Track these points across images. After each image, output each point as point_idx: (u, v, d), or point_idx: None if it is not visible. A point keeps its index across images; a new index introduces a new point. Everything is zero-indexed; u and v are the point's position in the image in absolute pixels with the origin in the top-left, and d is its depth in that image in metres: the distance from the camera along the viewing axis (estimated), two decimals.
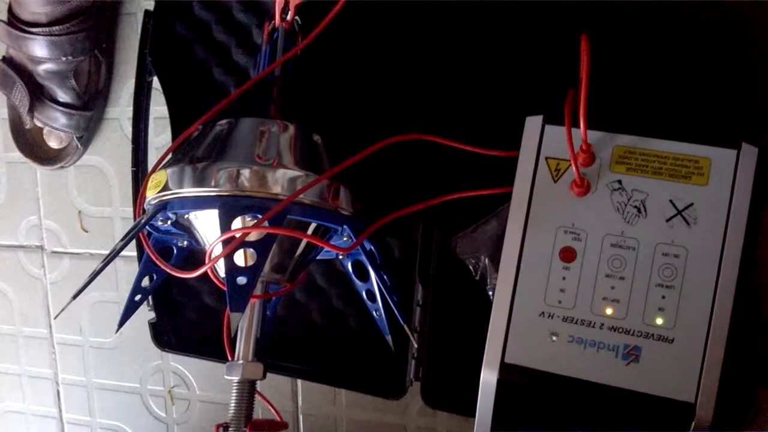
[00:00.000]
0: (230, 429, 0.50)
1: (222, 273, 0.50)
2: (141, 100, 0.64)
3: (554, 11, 0.54)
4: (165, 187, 0.49)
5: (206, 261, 0.47)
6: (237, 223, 0.46)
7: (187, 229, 0.53)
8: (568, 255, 0.45)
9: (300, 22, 0.57)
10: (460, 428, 0.70)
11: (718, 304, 0.42)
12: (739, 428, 0.48)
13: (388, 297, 0.54)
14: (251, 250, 0.46)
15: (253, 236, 0.46)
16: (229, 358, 0.52)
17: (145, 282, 0.57)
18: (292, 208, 0.47)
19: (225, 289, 0.44)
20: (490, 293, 0.53)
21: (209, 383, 0.81)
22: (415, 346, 0.56)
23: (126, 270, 0.81)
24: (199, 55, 0.65)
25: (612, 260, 0.44)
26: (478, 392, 0.45)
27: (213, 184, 0.47)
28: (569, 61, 0.43)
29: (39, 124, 0.75)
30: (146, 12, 0.63)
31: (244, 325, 0.51)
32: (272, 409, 0.60)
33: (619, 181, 0.45)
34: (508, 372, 0.45)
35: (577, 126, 0.43)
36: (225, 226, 0.45)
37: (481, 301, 0.53)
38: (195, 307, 0.69)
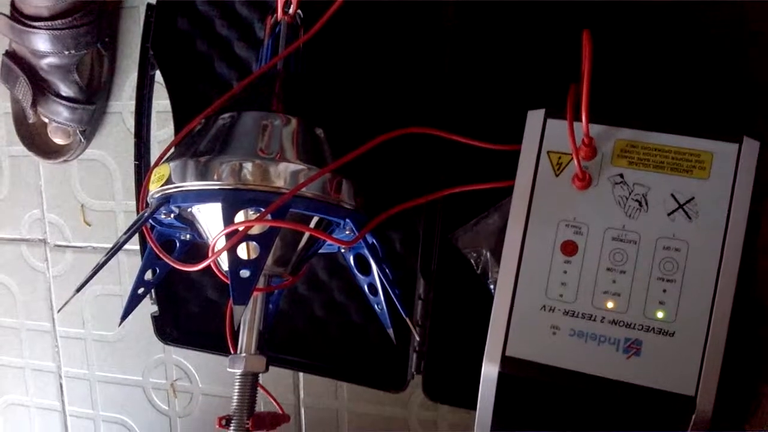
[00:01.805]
0: (233, 422, 0.50)
1: (225, 266, 0.50)
2: (143, 94, 0.65)
3: (557, 5, 0.54)
4: (168, 181, 0.49)
5: (209, 254, 0.48)
6: (240, 216, 0.47)
7: (190, 223, 0.54)
8: (569, 248, 0.45)
9: (302, 16, 0.57)
10: (462, 421, 0.70)
11: (719, 298, 0.42)
12: (739, 422, 0.48)
13: (390, 290, 0.54)
14: (254, 243, 0.46)
15: (256, 229, 0.46)
16: (232, 351, 0.52)
17: (148, 275, 0.57)
18: (295, 201, 0.47)
19: (228, 282, 0.44)
20: (492, 287, 0.53)
21: (212, 376, 0.81)
22: (417, 339, 0.57)
23: (129, 263, 0.82)
24: (202, 48, 0.65)
25: (613, 254, 0.44)
26: (479, 385, 0.46)
27: (216, 177, 0.47)
28: (571, 56, 0.43)
29: (43, 119, 0.75)
30: (148, 6, 0.63)
31: (247, 318, 0.51)
32: (274, 402, 0.60)
33: (621, 175, 0.45)
34: (509, 365, 0.45)
35: (579, 120, 0.43)
36: (228, 219, 0.46)
37: (483, 295, 0.53)
38: (198, 301, 0.69)
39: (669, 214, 0.44)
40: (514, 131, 0.48)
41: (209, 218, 0.51)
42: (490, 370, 0.45)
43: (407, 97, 0.59)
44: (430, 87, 0.56)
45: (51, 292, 0.87)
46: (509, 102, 0.52)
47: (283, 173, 0.48)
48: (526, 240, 0.46)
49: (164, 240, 0.57)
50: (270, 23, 0.57)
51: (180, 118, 0.64)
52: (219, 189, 0.47)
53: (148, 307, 0.66)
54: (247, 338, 0.51)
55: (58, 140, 0.77)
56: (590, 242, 0.45)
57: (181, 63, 0.65)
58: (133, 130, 0.65)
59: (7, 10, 0.71)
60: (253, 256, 0.46)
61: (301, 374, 0.76)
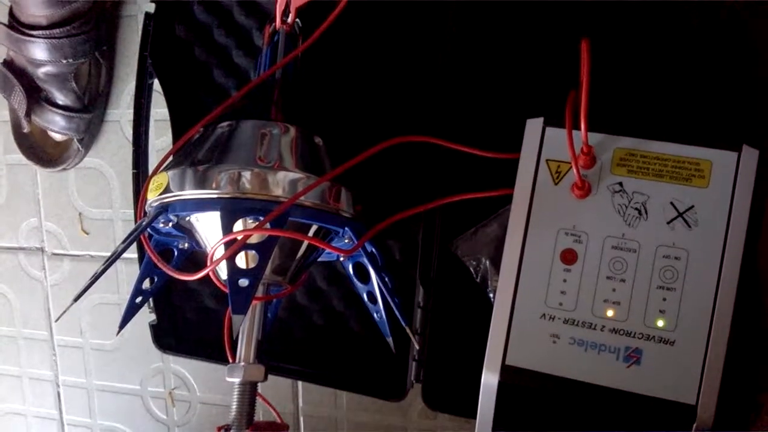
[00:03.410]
0: (231, 431, 0.50)
1: (224, 275, 0.50)
2: (142, 103, 0.64)
3: (555, 13, 0.55)
4: (166, 190, 0.49)
5: (208, 263, 0.47)
6: (238, 225, 0.46)
7: (189, 232, 0.53)
8: (569, 257, 0.45)
9: (301, 25, 0.57)
10: (461, 430, 0.70)
11: (719, 306, 0.42)
12: (740, 430, 0.48)
13: (389, 299, 0.54)
14: (253, 252, 0.46)
15: (255, 238, 0.46)
16: (231, 360, 0.52)
17: (146, 284, 0.57)
18: (294, 210, 0.47)
19: (227, 291, 0.44)
20: (491, 295, 0.53)
21: (210, 385, 0.81)
22: (417, 347, 0.56)
23: (127, 272, 0.81)
24: (200, 57, 0.65)
25: (613, 262, 0.44)
26: (479, 394, 0.45)
27: (214, 186, 0.47)
28: (570, 63, 0.43)
29: (39, 128, 0.75)
30: (147, 14, 0.63)
31: (246, 327, 0.51)
32: (273, 411, 0.60)
33: (620, 183, 0.45)
34: (509, 374, 0.45)
35: (578, 128, 0.43)
36: (227, 228, 0.45)
37: (482, 304, 0.53)
38: (196, 309, 0.69)
39: (668, 223, 0.44)
40: (513, 139, 0.48)
41: (207, 227, 0.50)
42: (489, 379, 0.45)
43: (406, 106, 0.59)
44: (429, 95, 0.56)
45: (48, 300, 0.87)
46: (508, 110, 0.52)
47: (282, 182, 0.47)
48: (525, 248, 0.46)
49: (162, 249, 0.57)
50: (268, 32, 0.57)
51: (178, 127, 0.64)
52: (217, 198, 0.47)
53: (146, 316, 0.66)
54: (245, 347, 0.51)
55: (56, 136, 0.77)
56: (590, 250, 0.45)
57: (180, 71, 0.65)
58: (131, 138, 0.65)
59: (5, 20, 0.71)
60: (252, 265, 0.46)
61: (300, 383, 0.76)
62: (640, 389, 0.43)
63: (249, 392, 0.50)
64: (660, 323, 0.43)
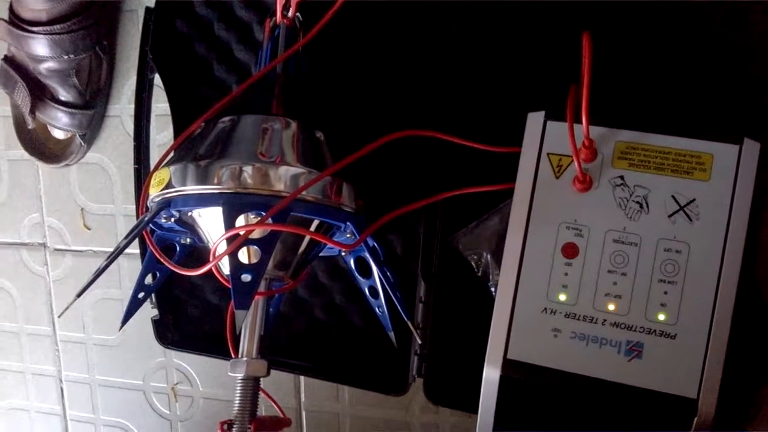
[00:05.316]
0: (234, 426, 0.50)
1: (226, 270, 0.50)
2: (143, 98, 0.65)
3: (556, 7, 0.54)
4: (168, 185, 0.49)
5: (210, 258, 0.47)
6: (240, 220, 0.47)
7: (190, 227, 0.53)
8: (570, 251, 0.45)
9: (301, 19, 0.57)
10: (463, 424, 0.70)
11: (720, 300, 0.42)
12: (741, 424, 0.48)
13: (390, 293, 0.54)
14: (255, 247, 0.46)
15: (257, 233, 0.46)
16: (233, 356, 0.52)
17: (148, 279, 0.57)
18: (296, 205, 0.47)
19: (229, 286, 0.44)
20: (493, 290, 0.53)
21: (213, 380, 0.81)
22: (418, 342, 0.56)
23: (129, 267, 0.81)
24: (201, 52, 0.65)
25: (614, 256, 0.44)
26: (480, 388, 0.46)
27: (216, 181, 0.47)
28: (571, 57, 0.43)
29: (43, 124, 0.75)
30: (147, 9, 0.63)
31: (248, 322, 0.51)
32: (275, 406, 0.60)
33: (622, 177, 0.45)
34: (510, 368, 0.45)
35: (579, 122, 0.43)
36: (229, 223, 0.45)
37: (484, 298, 0.53)
38: (198, 304, 0.69)
39: (670, 216, 0.44)
40: (514, 133, 0.48)
41: (209, 222, 0.51)
42: (491, 373, 0.45)
43: (407, 100, 0.59)
44: (430, 89, 0.56)
45: (51, 296, 0.87)
46: (509, 104, 0.52)
47: (284, 177, 0.47)
48: (526, 242, 0.46)
49: (164, 244, 0.57)
50: (269, 26, 0.57)
51: (179, 122, 0.64)
52: (219, 193, 0.47)
53: (148, 311, 0.66)
54: (248, 342, 0.51)
55: (58, 132, 0.77)
56: (591, 244, 0.45)
57: (180, 66, 0.65)
58: (132, 133, 0.65)
59: (5, 15, 0.71)
60: (255, 260, 0.46)
61: (302, 378, 0.76)
62: (641, 383, 0.43)
63: (252, 387, 0.51)
64: (661, 317, 0.43)
